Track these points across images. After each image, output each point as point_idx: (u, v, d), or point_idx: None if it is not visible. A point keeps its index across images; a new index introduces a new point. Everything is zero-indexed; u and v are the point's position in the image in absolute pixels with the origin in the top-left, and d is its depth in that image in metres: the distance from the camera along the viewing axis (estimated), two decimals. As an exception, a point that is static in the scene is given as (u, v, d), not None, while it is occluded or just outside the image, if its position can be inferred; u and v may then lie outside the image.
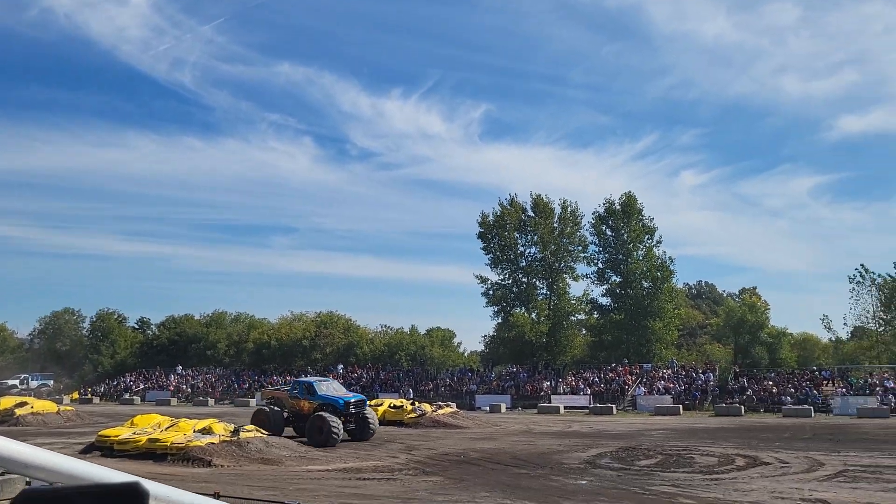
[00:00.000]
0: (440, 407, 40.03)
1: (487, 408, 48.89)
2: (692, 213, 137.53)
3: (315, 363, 67.59)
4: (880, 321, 57.69)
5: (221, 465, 21.95)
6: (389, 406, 39.07)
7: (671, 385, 50.33)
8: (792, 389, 46.51)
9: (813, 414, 40.74)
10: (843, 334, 62.63)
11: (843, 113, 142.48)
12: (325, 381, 34.56)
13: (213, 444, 23.47)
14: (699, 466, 21.35)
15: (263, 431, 26.57)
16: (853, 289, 58.38)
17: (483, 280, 64.93)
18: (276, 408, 31.01)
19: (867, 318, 58.47)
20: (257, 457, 23.22)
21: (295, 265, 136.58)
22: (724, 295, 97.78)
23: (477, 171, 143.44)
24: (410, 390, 55.50)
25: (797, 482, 18.40)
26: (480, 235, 65.00)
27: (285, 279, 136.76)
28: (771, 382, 48.56)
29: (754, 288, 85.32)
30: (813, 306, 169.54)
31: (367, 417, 30.58)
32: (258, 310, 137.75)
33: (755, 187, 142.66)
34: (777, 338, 66.36)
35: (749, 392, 47.11)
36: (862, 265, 58.89)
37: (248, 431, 25.36)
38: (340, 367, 64.35)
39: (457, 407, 43.52)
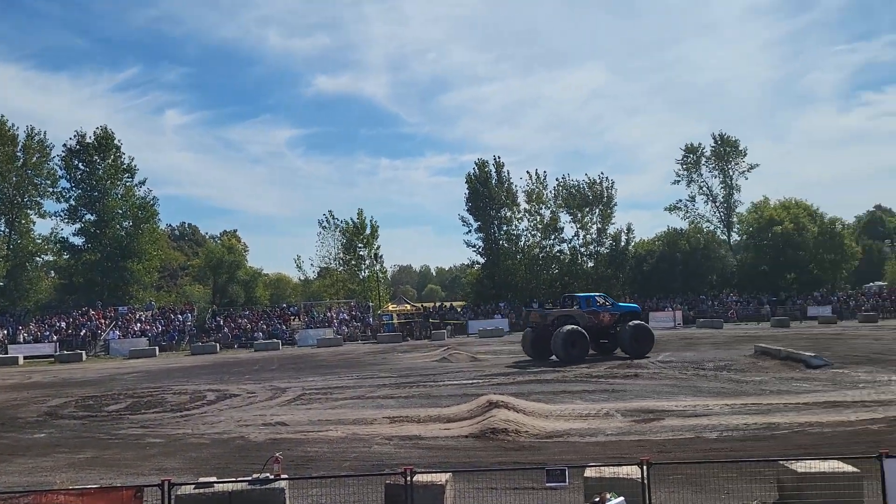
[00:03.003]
0: None
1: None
2: (177, 154, 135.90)
3: None
4: (341, 261, 65.51)
5: None
6: None
7: (148, 327, 49.35)
8: (264, 325, 49.91)
9: (281, 347, 44.43)
10: (311, 274, 69.43)
11: (318, 72, 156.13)
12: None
13: None
14: (171, 405, 21.47)
15: None
16: (320, 232, 65.13)
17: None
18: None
19: (330, 259, 65.87)
20: None
21: None
22: (207, 237, 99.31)
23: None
24: None
25: (261, 409, 19.92)
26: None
27: None
28: (245, 320, 51.32)
29: (235, 230, 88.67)
30: (287, 248, 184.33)
31: None
32: None
33: (239, 133, 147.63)
34: (253, 277, 70.40)
35: (225, 330, 49.00)
36: (330, 212, 66.06)
37: None
38: None
39: None
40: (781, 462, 9.72)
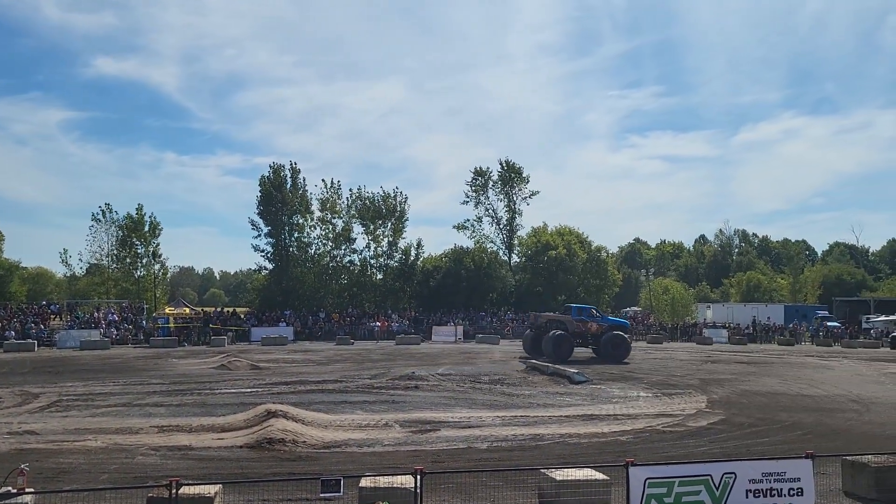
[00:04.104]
0: None
1: None
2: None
3: None
4: (114, 258, 60.61)
5: None
6: None
7: None
8: (17, 324, 44.94)
9: (37, 348, 40.20)
10: (80, 270, 63.43)
11: (100, 53, 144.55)
12: None
13: None
14: None
15: None
16: (93, 226, 59.79)
17: None
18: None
19: (103, 255, 60.68)
20: None
21: None
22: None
23: None
24: None
25: (7, 416, 17.90)
26: None
27: None
28: (-4, 317, 45.93)
29: (-10, 216, 79.29)
30: (53, 240, 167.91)
31: None
32: None
33: (2, 109, 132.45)
34: (9, 271, 63.32)
35: (-31, 327, 43.47)
36: (107, 204, 60.76)
37: None
38: None
39: None
40: (542, 470, 10.43)
